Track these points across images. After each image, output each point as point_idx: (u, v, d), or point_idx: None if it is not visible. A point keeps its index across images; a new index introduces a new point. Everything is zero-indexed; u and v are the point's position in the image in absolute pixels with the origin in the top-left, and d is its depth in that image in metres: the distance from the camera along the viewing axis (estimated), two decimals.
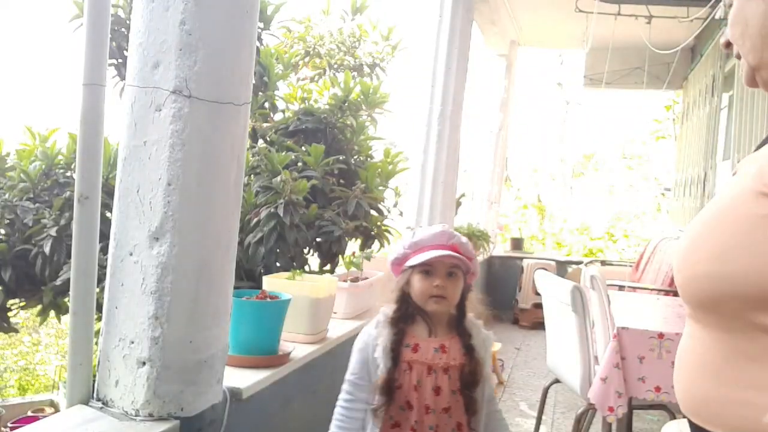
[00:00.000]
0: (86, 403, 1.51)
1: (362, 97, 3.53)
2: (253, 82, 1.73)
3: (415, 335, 1.58)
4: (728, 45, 1.02)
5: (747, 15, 0.95)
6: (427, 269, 1.57)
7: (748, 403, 0.80)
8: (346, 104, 3.47)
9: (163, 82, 1.44)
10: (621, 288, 4.73)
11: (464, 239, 1.63)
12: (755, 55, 0.95)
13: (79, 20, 2.96)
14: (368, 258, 2.84)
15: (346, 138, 3.47)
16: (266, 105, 3.45)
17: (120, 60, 3.04)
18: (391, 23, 4.14)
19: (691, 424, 0.90)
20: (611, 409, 2.57)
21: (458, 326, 1.60)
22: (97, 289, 1.58)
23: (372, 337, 1.59)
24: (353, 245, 3.51)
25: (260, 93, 3.32)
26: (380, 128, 3.76)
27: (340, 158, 3.29)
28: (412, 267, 1.58)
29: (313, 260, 3.38)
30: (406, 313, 1.60)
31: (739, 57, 1.00)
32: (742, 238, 0.82)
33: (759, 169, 0.85)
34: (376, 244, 3.36)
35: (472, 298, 1.67)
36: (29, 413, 3.40)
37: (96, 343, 1.57)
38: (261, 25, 3.38)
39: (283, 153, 3.15)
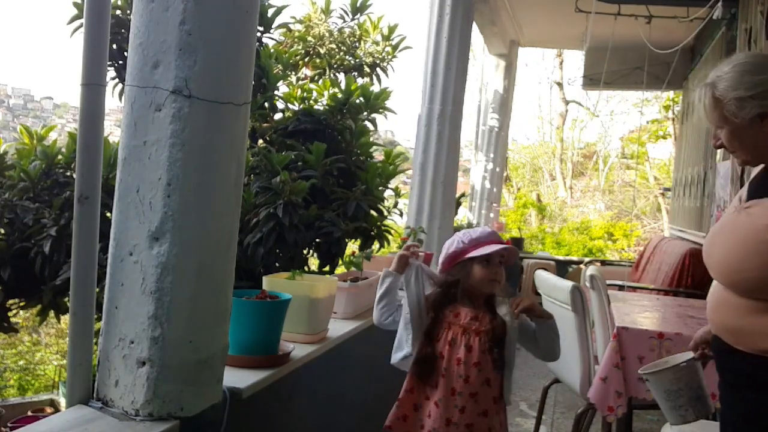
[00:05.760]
0: (86, 403, 1.51)
1: (362, 100, 3.52)
2: (252, 83, 1.73)
3: (459, 306, 1.99)
4: (720, 146, 1.59)
5: (742, 137, 1.52)
6: (487, 259, 1.94)
7: (759, 334, 1.41)
8: (346, 107, 3.46)
9: (163, 82, 1.44)
10: (621, 288, 4.73)
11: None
12: (747, 158, 1.57)
13: (77, 22, 2.96)
14: (368, 258, 2.83)
15: (345, 140, 3.46)
16: (266, 105, 3.44)
17: (120, 62, 3.04)
18: (392, 23, 4.14)
19: (724, 344, 1.51)
20: (611, 409, 2.57)
21: (488, 303, 1.98)
22: (97, 289, 1.57)
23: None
24: (353, 245, 3.50)
25: (258, 95, 3.32)
26: (380, 127, 3.76)
27: (340, 157, 3.28)
28: (473, 258, 1.94)
29: (313, 261, 3.38)
30: (448, 296, 1.99)
31: (732, 152, 1.58)
32: (757, 256, 1.40)
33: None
34: (375, 244, 3.36)
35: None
36: (29, 413, 3.41)
37: (96, 343, 1.57)
38: (261, 28, 3.38)
39: (283, 152, 3.14)
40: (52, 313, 2.91)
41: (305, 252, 3.15)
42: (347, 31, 4.12)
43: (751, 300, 1.44)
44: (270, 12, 3.40)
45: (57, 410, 3.56)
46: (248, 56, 1.56)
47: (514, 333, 1.97)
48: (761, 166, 1.61)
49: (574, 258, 8.53)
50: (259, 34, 3.34)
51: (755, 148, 1.53)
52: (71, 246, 1.54)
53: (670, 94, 10.47)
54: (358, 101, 3.50)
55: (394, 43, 4.13)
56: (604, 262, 7.15)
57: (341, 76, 3.98)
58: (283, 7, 3.43)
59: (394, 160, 3.55)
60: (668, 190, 10.29)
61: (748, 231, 1.44)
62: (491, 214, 7.34)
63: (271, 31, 3.48)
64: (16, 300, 2.99)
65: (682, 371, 1.65)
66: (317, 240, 3.09)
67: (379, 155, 3.72)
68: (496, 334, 1.94)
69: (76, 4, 2.97)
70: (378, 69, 4.11)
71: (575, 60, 14.63)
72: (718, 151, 5.21)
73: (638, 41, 5.52)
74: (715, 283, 1.59)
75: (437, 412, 1.93)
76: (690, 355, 1.75)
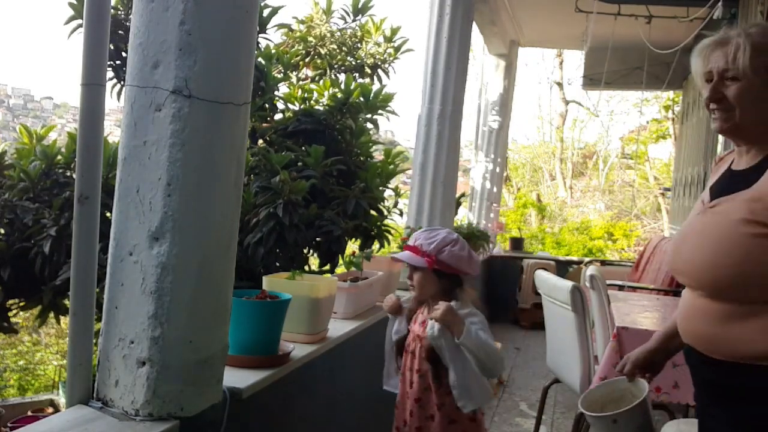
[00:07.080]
0: (86, 403, 1.51)
1: (362, 99, 3.52)
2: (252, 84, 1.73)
3: (420, 313, 2.08)
4: (718, 99, 1.42)
5: (761, 96, 1.39)
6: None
7: (737, 340, 1.35)
8: (346, 107, 3.45)
9: (163, 82, 1.44)
10: (621, 288, 4.73)
11: (431, 240, 1.95)
12: (748, 119, 1.41)
13: (74, 22, 2.96)
14: (368, 258, 2.83)
15: (345, 140, 3.46)
16: (266, 105, 3.44)
17: (118, 62, 3.04)
18: (395, 24, 4.14)
19: (698, 354, 1.44)
20: None
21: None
22: (97, 289, 1.57)
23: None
24: (353, 245, 3.50)
25: (257, 97, 3.31)
26: (381, 128, 3.76)
27: (340, 158, 3.28)
28: None
29: (313, 260, 3.38)
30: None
31: (724, 110, 1.42)
32: (734, 250, 1.35)
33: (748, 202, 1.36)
34: (375, 244, 3.36)
35: (468, 291, 2.03)
36: (29, 413, 3.40)
37: (96, 343, 1.57)
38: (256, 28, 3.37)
39: (283, 153, 3.14)
40: (51, 314, 2.91)
41: (305, 251, 3.15)
42: (348, 32, 4.12)
43: (725, 304, 1.39)
44: (265, 12, 3.39)
45: (57, 410, 3.56)
46: (248, 56, 1.56)
47: (438, 341, 1.90)
48: (724, 166, 1.57)
49: (574, 258, 8.54)
50: None
51: (761, 111, 1.42)
52: (71, 246, 1.54)
53: (670, 94, 10.47)
54: (357, 100, 3.50)
55: (396, 44, 4.12)
56: (604, 262, 7.15)
57: (342, 77, 3.98)
58: (279, 7, 3.42)
59: (394, 159, 3.55)
60: (668, 190, 10.29)
61: (722, 228, 1.39)
62: (491, 214, 7.34)
63: (267, 31, 3.48)
64: (16, 300, 2.98)
65: (646, 402, 1.65)
66: (317, 239, 3.09)
67: (379, 155, 3.72)
68: (426, 350, 1.99)
69: (72, 5, 2.96)
70: (379, 70, 4.10)
71: (575, 60, 14.62)
72: (719, 150, 5.21)
73: (638, 41, 5.52)
74: (684, 292, 1.53)
75: (396, 413, 2.09)
76: (623, 379, 1.73)
